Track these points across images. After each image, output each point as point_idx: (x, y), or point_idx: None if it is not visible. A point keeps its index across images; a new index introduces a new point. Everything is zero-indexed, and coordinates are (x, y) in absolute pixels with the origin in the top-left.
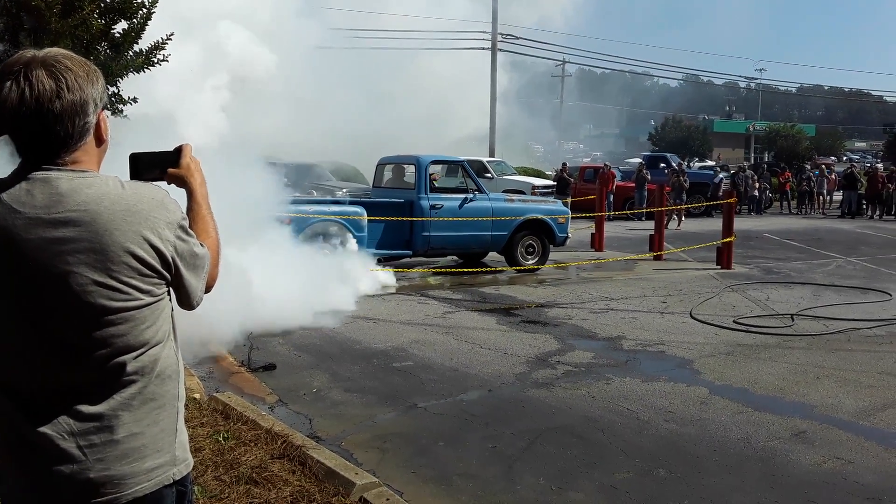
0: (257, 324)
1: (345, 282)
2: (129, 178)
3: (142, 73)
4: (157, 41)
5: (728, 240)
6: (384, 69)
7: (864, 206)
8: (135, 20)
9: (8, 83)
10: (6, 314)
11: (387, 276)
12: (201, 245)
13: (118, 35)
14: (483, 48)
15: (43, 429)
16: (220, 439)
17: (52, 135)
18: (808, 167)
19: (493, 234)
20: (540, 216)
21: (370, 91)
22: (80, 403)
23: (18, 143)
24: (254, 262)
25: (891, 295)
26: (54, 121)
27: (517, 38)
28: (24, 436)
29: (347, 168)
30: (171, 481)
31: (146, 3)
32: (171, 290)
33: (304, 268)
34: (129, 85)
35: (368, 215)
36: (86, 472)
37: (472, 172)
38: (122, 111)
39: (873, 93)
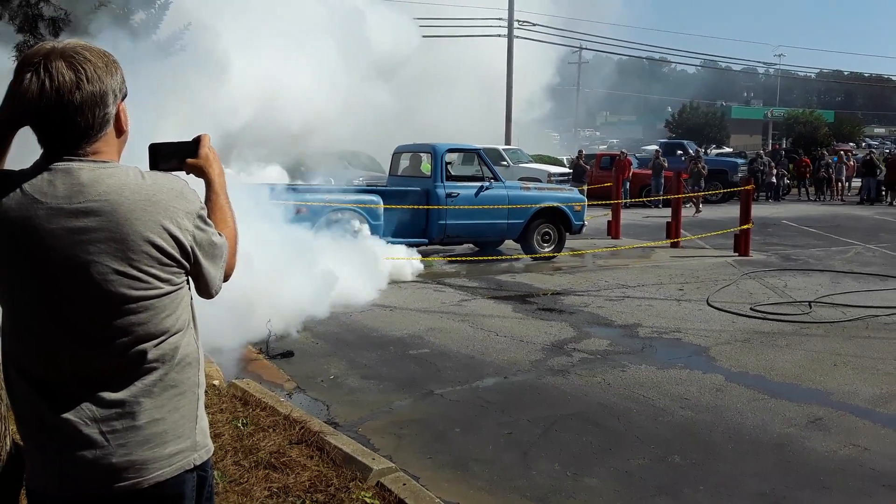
0: (275, 311)
1: (366, 270)
2: (148, 168)
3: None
4: (174, 31)
5: (745, 227)
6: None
7: (884, 193)
8: (153, 10)
9: (28, 75)
10: (28, 303)
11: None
12: (219, 234)
13: (135, 25)
14: (500, 35)
15: (66, 415)
16: (240, 425)
17: (73, 126)
18: (827, 153)
19: (509, 221)
20: (556, 204)
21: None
22: (102, 390)
23: (39, 134)
24: (270, 250)
25: None
26: (74, 112)
27: (533, 24)
28: (46, 422)
29: (363, 156)
30: (192, 466)
31: None
32: (190, 278)
33: (322, 255)
34: None
35: (385, 203)
36: (108, 457)
37: (487, 160)
38: None
39: (894, 78)
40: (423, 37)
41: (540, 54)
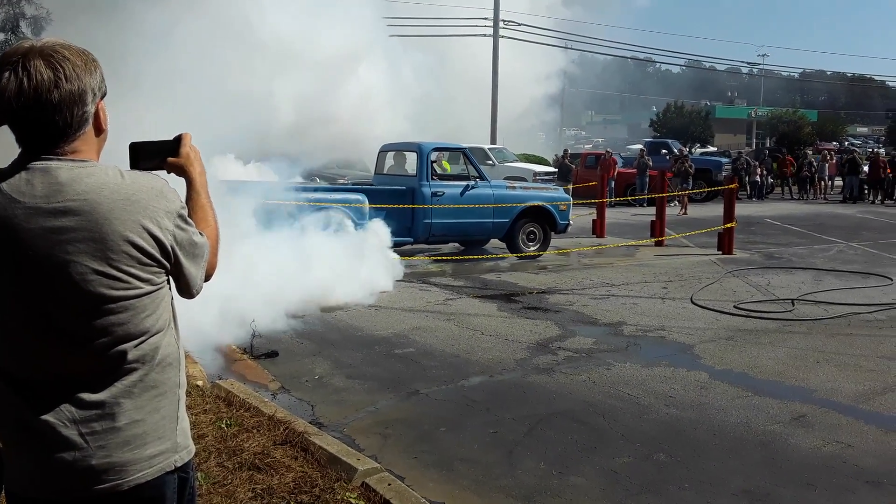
0: (259, 311)
1: (359, 269)
2: (128, 168)
3: None
4: None
5: (729, 225)
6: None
7: (866, 192)
8: None
9: (6, 74)
10: (6, 303)
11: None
12: (200, 234)
13: None
14: (485, 35)
15: (45, 416)
16: (223, 426)
17: (51, 125)
18: (811, 152)
19: (495, 221)
20: (541, 203)
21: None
22: (81, 391)
23: (18, 133)
24: (257, 250)
25: (891, 279)
26: (53, 111)
27: (518, 24)
28: (25, 423)
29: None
30: (173, 468)
31: None
32: (170, 278)
33: (307, 255)
34: None
35: (370, 202)
36: (88, 459)
37: (473, 159)
38: None
39: (876, 78)
40: (414, 36)
41: (541, 66)
